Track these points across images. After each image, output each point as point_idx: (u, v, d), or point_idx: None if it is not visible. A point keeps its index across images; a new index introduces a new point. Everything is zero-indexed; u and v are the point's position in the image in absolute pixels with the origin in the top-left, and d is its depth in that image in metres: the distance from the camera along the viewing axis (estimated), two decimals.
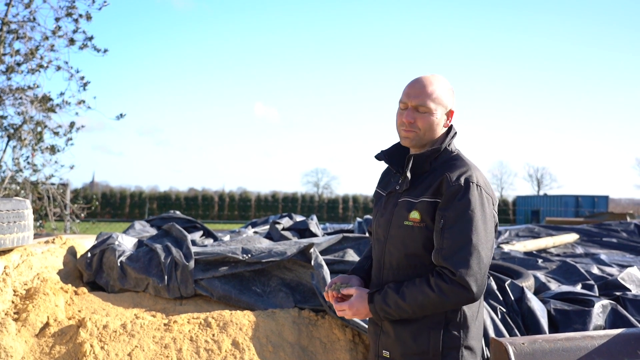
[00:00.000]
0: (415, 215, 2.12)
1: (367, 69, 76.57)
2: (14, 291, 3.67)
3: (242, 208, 42.08)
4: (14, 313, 3.48)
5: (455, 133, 2.26)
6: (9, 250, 3.90)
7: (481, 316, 2.19)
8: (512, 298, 3.92)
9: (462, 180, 2.07)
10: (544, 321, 3.76)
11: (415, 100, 2.16)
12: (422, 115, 2.16)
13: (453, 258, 1.99)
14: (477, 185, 2.07)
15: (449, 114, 2.22)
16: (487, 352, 3.25)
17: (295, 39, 77.80)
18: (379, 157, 2.34)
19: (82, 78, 9.34)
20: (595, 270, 5.30)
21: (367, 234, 5.52)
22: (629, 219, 12.69)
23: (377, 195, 2.40)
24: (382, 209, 2.29)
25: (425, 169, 2.18)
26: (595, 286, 4.60)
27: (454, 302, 2.01)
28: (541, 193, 52.85)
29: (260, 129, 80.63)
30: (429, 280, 2.03)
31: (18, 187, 9.12)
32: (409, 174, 2.18)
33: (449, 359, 2.08)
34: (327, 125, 79.71)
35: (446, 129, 2.23)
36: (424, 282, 2.04)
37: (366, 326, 3.57)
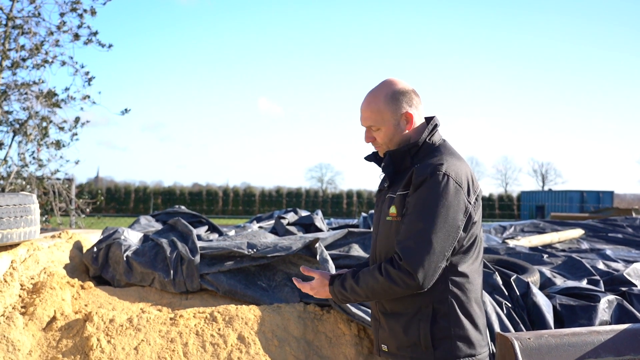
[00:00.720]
0: (393, 210, 2.15)
1: (371, 64, 76.45)
2: (21, 285, 3.68)
3: (246, 203, 42.11)
4: (21, 307, 3.50)
5: (436, 125, 2.27)
6: (16, 245, 3.92)
7: (475, 307, 2.16)
8: (518, 293, 3.92)
9: (429, 169, 2.06)
10: (549, 316, 3.75)
11: (364, 122, 2.28)
12: (376, 132, 2.25)
13: (403, 244, 2.01)
14: (443, 173, 2.05)
15: (405, 117, 2.23)
16: (492, 347, 3.25)
17: (298, 34, 77.72)
18: (369, 158, 2.40)
19: (87, 73, 9.37)
20: (600, 265, 5.29)
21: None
22: (634, 215, 12.65)
23: (376, 194, 2.45)
24: (376, 206, 2.37)
25: (406, 165, 2.21)
26: (601, 281, 4.59)
27: (401, 288, 2.02)
28: (546, 188, 52.72)
29: (264, 125, 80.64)
30: (381, 265, 2.07)
31: (24, 182, 9.15)
32: (384, 171, 2.24)
33: (441, 350, 2.08)
34: (331, 121, 79.69)
35: (410, 130, 2.24)
36: (376, 267, 2.08)
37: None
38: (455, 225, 2.04)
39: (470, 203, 2.09)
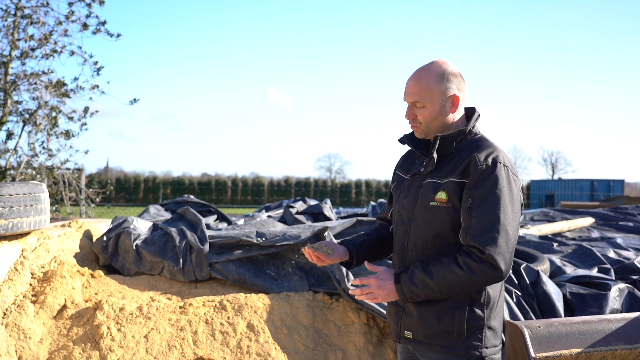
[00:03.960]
0: (442, 195, 2.12)
1: (379, 53, 76.08)
2: (32, 274, 3.71)
3: (255, 193, 42.17)
4: (32, 295, 3.52)
5: (479, 115, 2.27)
6: (26, 234, 3.94)
7: (503, 297, 2.21)
8: (528, 282, 3.90)
9: (490, 160, 2.08)
10: (559, 305, 3.74)
11: (410, 97, 2.20)
12: (420, 110, 2.19)
13: (481, 237, 2.00)
14: (504, 165, 2.09)
15: (452, 100, 2.19)
16: (502, 336, 3.23)
17: (307, 24, 77.41)
18: (403, 140, 2.35)
19: (96, 63, 9.37)
20: (611, 254, 5.26)
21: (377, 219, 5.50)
22: None
23: (399, 179, 2.39)
24: (406, 191, 2.28)
25: (450, 151, 2.19)
26: (612, 270, 4.56)
27: (482, 281, 2.03)
28: (556, 177, 52.42)
29: (272, 114, 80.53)
30: (457, 259, 2.04)
31: (34, 172, 9.20)
32: (435, 155, 2.18)
33: (472, 338, 2.09)
34: (339, 110, 79.46)
35: (454, 113, 2.22)
36: (452, 260, 2.05)
37: (380, 309, 3.57)
38: (519, 215, 2.10)
39: (521, 193, 2.15)
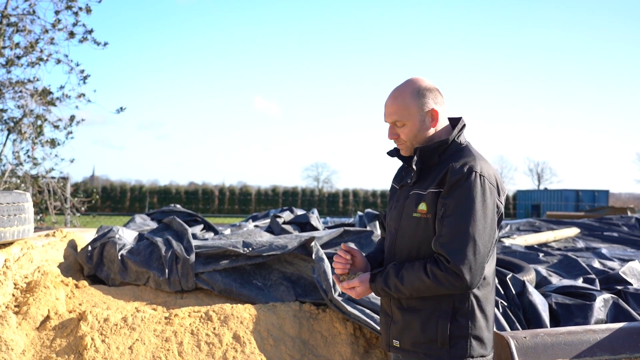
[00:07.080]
0: (423, 207, 2.15)
1: (367, 62, 76.46)
2: (15, 284, 3.66)
3: (242, 202, 42.04)
4: (15, 306, 3.47)
5: (464, 125, 2.29)
6: (10, 244, 3.90)
7: (491, 308, 2.21)
8: (514, 292, 3.92)
9: (465, 169, 2.09)
10: (545, 315, 3.75)
11: (389, 117, 2.25)
12: (401, 128, 2.24)
13: (449, 246, 2.03)
14: (480, 175, 2.09)
15: (431, 114, 2.23)
16: None
17: (295, 33, 77.64)
18: (391, 153, 2.39)
19: (82, 71, 9.33)
20: (596, 264, 5.30)
21: (369, 227, 5.51)
22: (629, 214, 12.69)
23: (392, 189, 2.43)
24: (395, 202, 2.33)
25: (434, 162, 2.21)
26: (597, 280, 4.59)
27: (448, 289, 2.06)
28: (541, 187, 52.79)
29: (260, 123, 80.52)
30: (426, 266, 2.07)
31: (18, 181, 9.12)
32: (414, 167, 2.21)
33: (456, 348, 2.10)
34: (327, 119, 79.67)
35: (435, 127, 2.24)
36: (421, 267, 2.08)
37: (367, 320, 3.57)
38: (494, 225, 2.11)
39: (501, 203, 2.16)
